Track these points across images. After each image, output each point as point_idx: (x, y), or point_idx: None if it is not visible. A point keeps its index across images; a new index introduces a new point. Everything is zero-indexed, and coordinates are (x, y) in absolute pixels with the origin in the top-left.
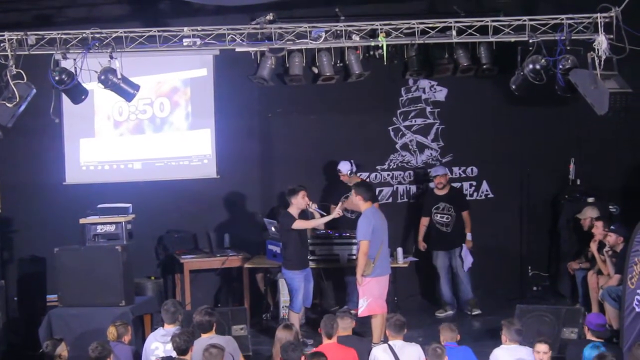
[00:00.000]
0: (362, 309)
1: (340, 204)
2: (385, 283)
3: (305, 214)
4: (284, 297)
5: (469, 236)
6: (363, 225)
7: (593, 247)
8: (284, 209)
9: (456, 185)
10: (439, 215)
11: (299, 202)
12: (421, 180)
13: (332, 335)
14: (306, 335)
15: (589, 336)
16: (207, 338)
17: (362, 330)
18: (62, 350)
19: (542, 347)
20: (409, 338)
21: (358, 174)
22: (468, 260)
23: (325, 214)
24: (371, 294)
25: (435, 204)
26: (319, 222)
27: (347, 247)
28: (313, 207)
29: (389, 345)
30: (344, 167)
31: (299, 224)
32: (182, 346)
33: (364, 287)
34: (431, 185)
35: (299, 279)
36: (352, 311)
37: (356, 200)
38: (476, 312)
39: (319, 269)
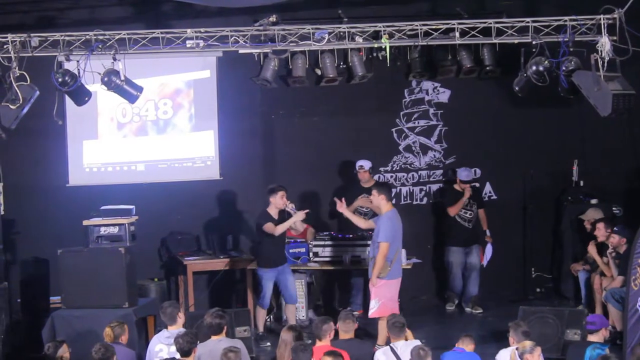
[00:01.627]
0: (374, 310)
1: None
2: (398, 286)
3: (283, 214)
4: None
5: (488, 232)
6: (386, 226)
7: (592, 249)
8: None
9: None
10: (463, 210)
11: (277, 202)
12: (451, 180)
13: (322, 338)
14: (309, 337)
15: (589, 337)
16: (217, 340)
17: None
18: (64, 352)
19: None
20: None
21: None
22: (489, 255)
23: (295, 212)
24: (384, 296)
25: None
26: (285, 226)
27: (351, 248)
28: (290, 207)
29: (391, 347)
30: (367, 163)
31: (268, 228)
32: (185, 347)
33: (378, 288)
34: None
35: (268, 277)
36: (355, 313)
37: (379, 200)
38: (478, 310)
39: (310, 270)
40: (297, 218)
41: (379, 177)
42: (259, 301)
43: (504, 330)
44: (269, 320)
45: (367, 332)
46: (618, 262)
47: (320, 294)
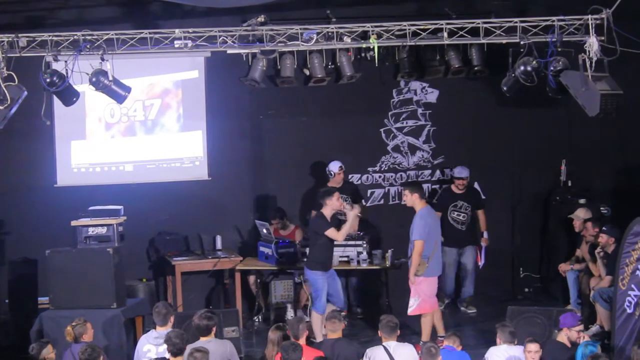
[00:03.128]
0: (413, 308)
1: (354, 207)
2: (436, 283)
3: (335, 216)
4: (275, 299)
5: (485, 234)
6: (419, 224)
7: (584, 249)
8: (317, 210)
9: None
10: (456, 212)
11: (334, 204)
12: (447, 181)
13: (299, 337)
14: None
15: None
16: (205, 342)
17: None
18: (49, 352)
19: (533, 347)
20: (401, 339)
21: (349, 176)
22: (483, 257)
23: (360, 215)
24: (423, 293)
25: (453, 201)
26: (347, 230)
27: (339, 248)
28: (348, 208)
29: (384, 346)
30: (335, 166)
31: (332, 234)
32: (177, 347)
33: (417, 286)
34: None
35: (322, 280)
36: (344, 312)
37: (413, 200)
38: (472, 310)
39: (298, 271)
40: (354, 213)
41: (367, 177)
42: (314, 306)
43: (492, 329)
44: (257, 320)
45: (411, 328)
46: (606, 261)
47: (308, 294)
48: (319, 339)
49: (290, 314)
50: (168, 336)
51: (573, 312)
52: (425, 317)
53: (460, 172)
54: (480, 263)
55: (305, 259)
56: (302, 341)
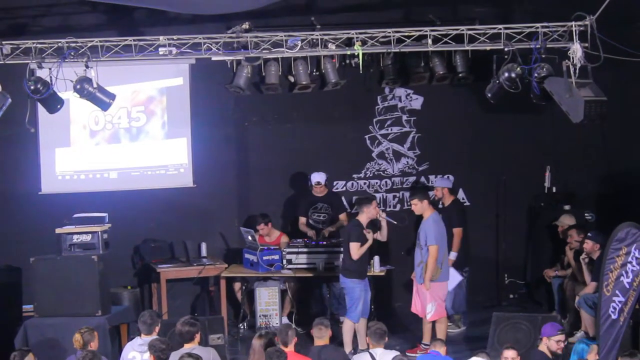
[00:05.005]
0: (432, 314)
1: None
2: (447, 288)
3: (373, 224)
4: (260, 307)
5: (453, 255)
6: (432, 229)
7: (570, 255)
8: (339, 219)
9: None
10: None
11: (370, 212)
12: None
13: (287, 344)
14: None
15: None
16: (189, 349)
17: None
18: None
19: (510, 353)
20: (387, 346)
21: (334, 183)
22: (454, 281)
23: (395, 222)
24: (439, 298)
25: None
26: (361, 251)
27: (325, 255)
28: (383, 216)
29: (370, 354)
30: (322, 177)
31: (352, 248)
32: (161, 355)
33: (433, 292)
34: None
35: (360, 288)
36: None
37: (423, 207)
38: (458, 328)
39: (283, 278)
40: (384, 228)
41: (352, 184)
42: (349, 314)
43: (477, 336)
44: (242, 327)
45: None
46: (591, 267)
47: (294, 301)
48: (348, 349)
49: (275, 320)
50: (150, 344)
51: (553, 322)
52: (443, 322)
53: (439, 182)
54: (449, 287)
55: (340, 267)
56: (290, 348)
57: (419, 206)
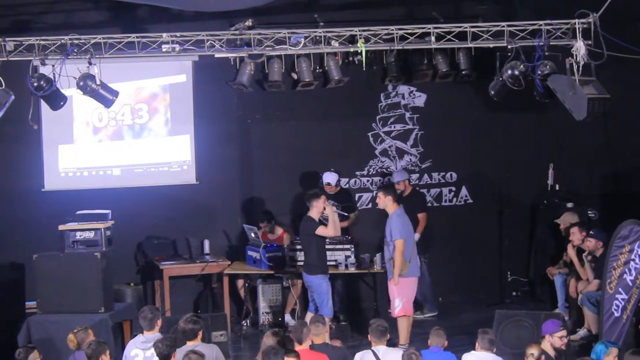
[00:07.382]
0: (399, 309)
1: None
2: (416, 284)
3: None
4: (263, 304)
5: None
6: (397, 224)
7: (571, 252)
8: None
9: (437, 190)
10: None
11: (320, 206)
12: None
13: (302, 341)
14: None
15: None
16: (192, 346)
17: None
18: (35, 357)
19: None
20: (389, 343)
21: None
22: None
23: (346, 214)
24: (406, 294)
25: None
26: (332, 224)
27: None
28: (333, 209)
29: (373, 351)
30: (332, 178)
31: (322, 231)
32: (165, 352)
33: (400, 287)
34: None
35: (326, 282)
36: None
37: (385, 202)
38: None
39: (286, 275)
40: (332, 211)
41: (355, 181)
42: (322, 311)
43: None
44: (245, 324)
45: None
46: (594, 265)
47: (296, 298)
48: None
49: (277, 317)
50: (155, 341)
51: (553, 319)
52: (407, 320)
53: (398, 175)
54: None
55: (302, 264)
56: (305, 346)
57: (382, 200)
